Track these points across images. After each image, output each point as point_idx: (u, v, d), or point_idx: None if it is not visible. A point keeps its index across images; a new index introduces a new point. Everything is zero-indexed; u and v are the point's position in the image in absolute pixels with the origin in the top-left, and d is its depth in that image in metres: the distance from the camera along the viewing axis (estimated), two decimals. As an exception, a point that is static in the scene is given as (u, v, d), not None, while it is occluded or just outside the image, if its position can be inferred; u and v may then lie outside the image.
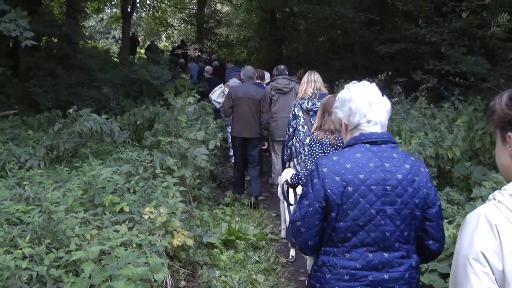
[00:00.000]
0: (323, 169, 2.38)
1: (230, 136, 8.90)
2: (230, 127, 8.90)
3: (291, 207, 4.29)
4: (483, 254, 1.51)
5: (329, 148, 4.52)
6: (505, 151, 1.65)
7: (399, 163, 2.38)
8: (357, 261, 2.34)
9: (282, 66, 9.02)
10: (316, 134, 4.65)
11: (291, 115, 6.30)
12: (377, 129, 2.46)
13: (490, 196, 1.63)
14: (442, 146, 6.98)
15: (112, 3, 29.72)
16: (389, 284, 2.33)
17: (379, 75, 11.47)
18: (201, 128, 6.93)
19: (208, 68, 14.73)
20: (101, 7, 28.29)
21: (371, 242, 2.33)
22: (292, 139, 6.13)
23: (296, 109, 6.21)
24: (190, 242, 4.42)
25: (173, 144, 6.19)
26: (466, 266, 1.55)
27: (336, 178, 2.33)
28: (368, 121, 2.46)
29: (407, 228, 2.35)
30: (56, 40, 15.47)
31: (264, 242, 6.41)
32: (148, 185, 5.06)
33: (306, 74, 6.37)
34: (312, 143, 4.67)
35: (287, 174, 5.01)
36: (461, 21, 11.12)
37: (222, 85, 10.56)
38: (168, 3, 33.87)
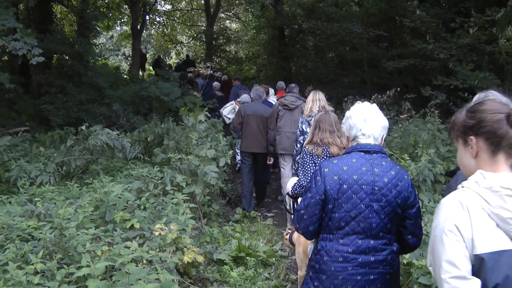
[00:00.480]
0: (325, 169, 2.98)
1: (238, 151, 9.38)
2: (239, 142, 9.41)
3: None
4: (456, 226, 1.93)
5: (318, 159, 5.01)
6: (467, 152, 2.12)
7: (386, 169, 2.95)
8: (349, 246, 2.90)
9: (293, 85, 9.44)
10: (307, 147, 5.18)
11: (298, 132, 6.87)
12: (371, 140, 3.04)
13: (459, 186, 2.06)
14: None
15: (122, 20, 29.98)
16: (375, 265, 2.89)
17: (388, 91, 11.48)
18: (211, 146, 6.95)
19: (215, 84, 15.06)
20: (111, 24, 28.55)
21: (360, 231, 2.89)
22: (300, 153, 6.25)
23: (304, 125, 6.77)
24: (200, 258, 4.43)
25: (183, 161, 6.21)
26: (442, 237, 1.97)
27: (335, 177, 2.93)
28: (363, 134, 3.05)
29: (390, 221, 2.91)
30: (67, 58, 15.61)
31: (274, 259, 6.41)
32: (159, 201, 5.08)
33: (311, 94, 6.86)
34: (304, 155, 5.21)
35: (292, 182, 5.29)
36: (469, 36, 11.14)
37: (233, 102, 10.93)
38: (178, 21, 34.12)
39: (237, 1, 32.01)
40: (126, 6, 25.37)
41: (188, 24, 34.50)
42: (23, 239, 4.06)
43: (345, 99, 12.40)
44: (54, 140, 9.84)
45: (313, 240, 3.34)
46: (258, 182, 8.98)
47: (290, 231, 4.99)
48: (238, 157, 10.48)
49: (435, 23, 13.36)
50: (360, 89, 18.29)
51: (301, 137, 6.66)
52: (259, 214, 8.52)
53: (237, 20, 35.04)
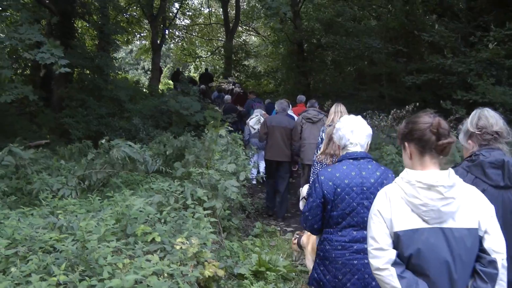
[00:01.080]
0: (321, 177, 3.64)
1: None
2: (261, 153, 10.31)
3: None
4: (379, 211, 2.58)
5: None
6: (405, 154, 2.70)
7: (372, 171, 3.61)
8: (345, 237, 3.59)
9: (313, 100, 10.29)
10: (318, 157, 5.91)
11: (319, 139, 7.38)
12: (358, 148, 3.72)
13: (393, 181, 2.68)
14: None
15: (142, 35, 30.27)
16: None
17: (407, 106, 11.42)
18: (231, 161, 6.97)
19: (227, 97, 15.66)
20: (130, 39, 28.83)
21: (355, 224, 3.55)
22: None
23: (323, 134, 7.09)
24: (221, 273, 4.43)
25: (204, 175, 6.22)
26: (370, 219, 2.64)
27: (330, 183, 3.59)
28: (351, 143, 3.73)
29: None
30: (88, 72, 15.78)
31: (294, 273, 6.38)
32: (179, 215, 5.09)
33: (334, 106, 7.20)
34: (314, 163, 6.26)
35: (307, 188, 5.42)
36: (488, 51, 11.08)
37: (258, 113, 11.51)
38: (197, 35, 34.35)
39: (256, 15, 32.19)
40: (146, 21, 25.64)
41: (207, 38, 34.73)
42: (45, 251, 4.09)
43: (364, 113, 12.36)
44: (73, 153, 9.93)
45: (318, 236, 4.02)
46: (279, 187, 9.49)
47: (298, 236, 5.83)
48: (253, 174, 10.71)
49: (453, 37, 13.32)
50: (379, 104, 18.22)
51: (321, 145, 6.82)
52: (279, 228, 8.50)
53: (256, 34, 35.21)
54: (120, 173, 7.41)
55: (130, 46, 35.33)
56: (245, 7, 32.70)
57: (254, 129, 11.28)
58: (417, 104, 11.24)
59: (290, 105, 12.01)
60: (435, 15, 16.51)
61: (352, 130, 3.73)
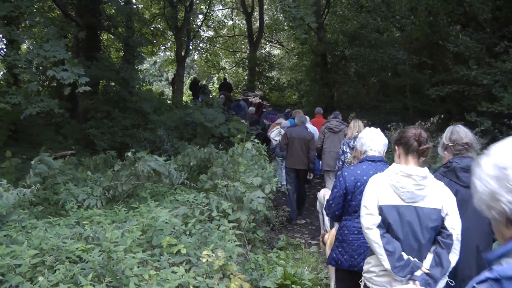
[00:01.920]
0: (345, 173, 4.54)
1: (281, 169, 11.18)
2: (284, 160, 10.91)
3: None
4: (371, 188, 3.56)
5: None
6: (396, 155, 3.72)
7: None
8: (358, 223, 4.05)
9: (337, 112, 11.16)
10: (349, 160, 6.79)
11: (340, 151, 8.09)
12: (376, 153, 4.55)
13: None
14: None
15: (166, 46, 30.54)
16: None
17: (431, 118, 11.32)
18: (258, 174, 6.97)
19: (251, 108, 16.67)
20: (155, 50, 29.10)
21: None
22: (341, 170, 6.75)
23: (344, 146, 8.04)
24: (246, 286, 4.41)
25: (229, 187, 6.22)
26: (365, 193, 3.61)
27: (352, 178, 4.45)
28: (371, 149, 4.58)
29: None
30: (113, 84, 15.94)
31: (319, 287, 6.34)
32: (205, 227, 5.09)
33: (352, 121, 8.18)
34: (344, 164, 7.36)
35: (324, 192, 7.35)
36: (514, 61, 10.93)
37: (279, 126, 12.32)
38: (221, 47, 34.54)
39: (279, 28, 32.31)
40: (170, 33, 25.87)
41: (231, 50, 34.90)
42: (72, 261, 4.11)
43: (388, 125, 12.28)
44: (98, 164, 10.02)
45: (338, 223, 4.84)
46: (300, 192, 10.38)
47: (324, 233, 6.43)
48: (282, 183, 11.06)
49: (478, 48, 13.16)
50: (403, 116, 18.09)
51: (342, 156, 7.86)
52: (303, 241, 8.45)
53: (279, 46, 35.29)
54: (145, 184, 7.46)
55: (154, 58, 35.62)
56: (268, 19, 32.84)
57: (276, 140, 11.93)
58: (442, 116, 11.13)
59: (308, 118, 12.35)
60: (459, 26, 16.38)
61: (372, 139, 4.59)
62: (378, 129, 4.73)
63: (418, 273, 3.38)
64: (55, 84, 19.21)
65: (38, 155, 12.05)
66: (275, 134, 12.04)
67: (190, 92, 26.80)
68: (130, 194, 7.42)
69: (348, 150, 7.83)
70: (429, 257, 3.44)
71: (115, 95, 15.44)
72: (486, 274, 1.46)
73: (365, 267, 3.70)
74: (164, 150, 13.60)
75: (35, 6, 11.87)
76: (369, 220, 3.49)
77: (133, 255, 4.08)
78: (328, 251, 5.41)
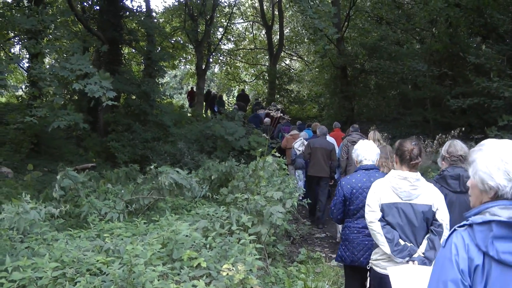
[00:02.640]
0: (343, 182, 5.26)
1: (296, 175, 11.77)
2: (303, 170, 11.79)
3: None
4: (374, 190, 4.32)
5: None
6: (394, 162, 4.45)
7: (378, 178, 4.61)
8: (359, 224, 5.05)
9: (356, 125, 11.54)
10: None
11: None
12: (369, 162, 5.20)
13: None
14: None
15: (187, 59, 30.75)
16: None
17: (452, 131, 11.21)
18: (280, 188, 6.96)
19: (267, 120, 17.44)
20: (176, 64, 29.31)
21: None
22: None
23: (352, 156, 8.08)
24: (266, 299, 4.38)
25: (250, 201, 6.21)
26: (369, 193, 4.40)
27: (348, 186, 5.16)
28: (365, 159, 5.22)
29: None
30: (134, 97, 16.06)
31: (339, 301, 6.27)
32: (225, 241, 5.08)
33: (371, 133, 8.63)
34: None
35: None
36: (536, 74, 10.79)
37: (302, 137, 12.81)
38: (241, 60, 34.68)
39: (299, 40, 32.37)
40: (191, 46, 26.06)
41: (251, 63, 35.03)
42: (92, 273, 4.13)
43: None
44: (120, 177, 10.07)
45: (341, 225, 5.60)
46: (320, 198, 10.97)
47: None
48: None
49: (499, 59, 13.03)
50: (423, 128, 17.97)
51: (349, 168, 8.79)
52: (324, 255, 8.39)
53: (299, 59, 35.33)
54: (166, 198, 7.48)
55: (174, 71, 35.90)
56: (289, 32, 32.92)
57: (299, 150, 12.37)
58: (463, 128, 11.01)
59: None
60: (480, 37, 16.24)
61: (366, 150, 5.24)
62: (371, 141, 5.64)
63: (415, 255, 4.14)
64: (76, 97, 19.45)
65: (58, 167, 12.24)
66: (298, 145, 12.52)
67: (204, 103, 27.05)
68: (151, 207, 7.45)
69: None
70: (424, 243, 4.19)
71: (136, 108, 15.56)
72: (464, 222, 2.21)
73: (373, 256, 4.48)
74: (185, 163, 13.64)
75: (58, 20, 12.05)
76: (371, 215, 4.30)
77: (153, 268, 4.08)
78: None
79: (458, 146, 4.94)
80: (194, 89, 29.89)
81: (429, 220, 4.22)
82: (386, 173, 4.72)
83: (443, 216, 4.20)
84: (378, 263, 4.39)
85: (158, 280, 3.96)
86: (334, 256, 8.39)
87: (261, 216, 6.12)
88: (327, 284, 6.69)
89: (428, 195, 4.23)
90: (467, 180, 2.44)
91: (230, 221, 5.72)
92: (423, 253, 4.13)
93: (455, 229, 2.23)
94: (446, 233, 4.07)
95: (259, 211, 6.15)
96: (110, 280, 3.94)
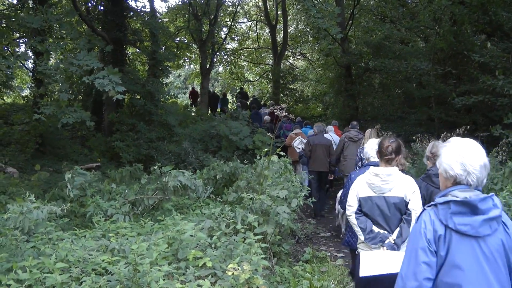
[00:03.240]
0: (352, 175, 5.90)
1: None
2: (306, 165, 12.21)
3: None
4: (354, 186, 5.01)
5: None
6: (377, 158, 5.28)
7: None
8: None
9: (355, 122, 12.39)
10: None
11: (357, 157, 8.77)
12: (376, 159, 5.39)
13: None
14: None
15: (191, 59, 30.75)
16: None
17: (457, 129, 11.18)
18: (284, 187, 6.96)
19: (266, 117, 18.66)
20: (180, 63, 29.33)
21: None
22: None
23: (361, 154, 8.44)
24: (272, 299, 4.37)
25: (255, 200, 6.21)
26: (349, 190, 5.13)
27: (355, 180, 5.22)
28: (372, 157, 5.71)
29: None
30: (139, 97, 16.06)
31: (344, 300, 6.26)
32: (230, 241, 5.07)
33: (368, 132, 8.84)
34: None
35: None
36: (542, 72, 10.74)
37: (300, 137, 13.51)
38: (245, 59, 34.67)
39: (303, 39, 32.33)
40: (195, 46, 26.07)
41: (255, 62, 35.01)
42: (98, 273, 4.14)
43: (414, 137, 12.15)
44: (124, 177, 10.08)
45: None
46: (321, 191, 11.71)
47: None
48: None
49: (504, 57, 12.98)
50: (428, 127, 17.92)
51: (359, 162, 8.47)
52: (329, 254, 8.37)
53: (303, 58, 35.29)
54: (171, 198, 7.48)
55: (178, 71, 35.94)
56: (293, 30, 32.88)
57: (299, 148, 13.06)
58: (468, 127, 10.98)
59: (332, 128, 14.39)
60: (484, 35, 16.17)
61: (372, 148, 5.79)
62: (378, 139, 5.68)
63: (387, 241, 4.70)
64: (81, 97, 19.51)
65: (63, 167, 12.29)
66: (297, 143, 13.22)
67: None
68: (155, 206, 7.45)
69: (363, 156, 8.29)
70: (396, 231, 4.74)
71: (141, 108, 15.56)
72: (431, 203, 2.90)
73: (358, 242, 5.06)
74: (189, 162, 13.65)
75: (63, 20, 12.10)
76: (348, 209, 4.99)
77: (158, 268, 4.09)
78: None
79: (440, 146, 4.80)
80: (195, 88, 30.11)
81: (401, 210, 4.75)
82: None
83: (414, 205, 4.70)
84: (361, 248, 4.96)
85: (164, 279, 3.96)
86: (339, 255, 8.41)
87: (266, 215, 6.12)
88: (332, 283, 6.68)
89: (401, 187, 4.73)
90: None
91: (235, 220, 5.72)
92: (394, 240, 4.70)
93: (424, 209, 2.93)
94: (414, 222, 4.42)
95: (264, 211, 6.15)
96: (116, 280, 3.95)
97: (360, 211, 4.90)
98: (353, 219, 4.92)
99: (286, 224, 6.05)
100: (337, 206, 9.29)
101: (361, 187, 4.92)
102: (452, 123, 16.29)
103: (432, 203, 2.88)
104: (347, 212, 5.03)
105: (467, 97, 13.98)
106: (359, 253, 4.94)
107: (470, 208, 2.73)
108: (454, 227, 2.73)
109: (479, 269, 2.70)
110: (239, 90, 29.63)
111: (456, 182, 2.88)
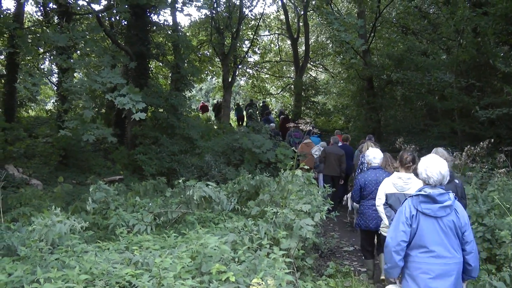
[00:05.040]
0: (358, 176, 7.95)
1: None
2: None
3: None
4: (383, 184, 6.84)
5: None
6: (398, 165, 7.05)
7: (382, 174, 7.46)
8: (370, 203, 7.47)
9: (371, 135, 14.62)
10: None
11: (359, 162, 10.89)
12: (376, 164, 7.73)
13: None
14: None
15: (213, 72, 30.92)
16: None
17: (481, 142, 11.03)
18: (306, 201, 6.94)
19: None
20: (203, 77, 29.48)
21: (373, 197, 7.22)
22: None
23: (362, 159, 10.66)
24: (296, 314, 4.33)
25: (279, 214, 6.18)
26: (380, 186, 6.99)
27: (362, 179, 7.69)
28: (374, 162, 7.77)
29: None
30: (161, 111, 16.15)
31: (368, 315, 6.19)
32: (254, 255, 5.04)
33: (365, 143, 11.22)
34: (361, 171, 10.43)
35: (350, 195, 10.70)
36: None
37: (319, 145, 14.98)
38: (267, 72, 34.72)
39: (325, 52, 32.30)
40: (217, 59, 26.22)
41: (277, 75, 35.05)
42: (121, 286, 4.14)
43: (437, 150, 11.99)
44: (148, 190, 10.13)
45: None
46: (335, 192, 12.50)
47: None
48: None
49: (530, 67, 12.84)
50: (451, 140, 17.74)
51: (361, 166, 10.63)
52: (352, 268, 8.29)
53: (325, 71, 35.23)
54: (194, 211, 7.48)
55: (201, 84, 36.17)
56: (313, 43, 32.85)
57: (316, 155, 14.44)
58: (492, 140, 10.83)
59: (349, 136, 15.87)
60: (507, 46, 16.00)
61: (374, 156, 7.82)
62: (378, 148, 8.47)
63: None
64: (103, 111, 19.70)
65: (91, 179, 12.38)
66: (315, 150, 14.67)
67: (236, 118, 27.33)
68: (178, 220, 7.46)
69: (365, 162, 10.03)
70: None
71: (163, 122, 15.63)
72: (411, 194, 4.63)
73: (382, 225, 7.02)
74: (212, 175, 13.65)
75: (88, 36, 12.31)
76: (378, 201, 6.78)
77: (182, 281, 4.08)
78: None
79: (440, 152, 6.86)
80: (205, 103, 30.59)
81: None
82: (388, 171, 7.86)
83: None
84: (384, 230, 6.91)
85: (188, 293, 3.95)
86: (363, 269, 8.32)
87: (290, 229, 6.08)
88: (356, 298, 6.62)
89: (417, 187, 5.55)
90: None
91: (259, 235, 5.69)
92: None
93: (407, 198, 4.64)
94: None
95: (288, 225, 6.11)
96: (140, 293, 3.94)
97: (386, 203, 6.55)
98: (381, 209, 6.71)
99: (310, 236, 6.00)
100: (350, 202, 11.35)
101: (388, 186, 6.63)
102: (475, 136, 16.11)
103: (411, 194, 4.68)
104: (376, 203, 6.81)
105: (490, 110, 13.82)
106: (380, 233, 7.14)
107: (431, 199, 4.42)
108: (421, 210, 4.45)
109: (437, 237, 4.39)
110: (248, 102, 29.76)
111: (425, 183, 4.57)
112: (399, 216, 4.51)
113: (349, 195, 11.04)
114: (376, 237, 7.77)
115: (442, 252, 4.34)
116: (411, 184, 6.36)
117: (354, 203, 9.42)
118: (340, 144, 14.25)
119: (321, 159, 13.50)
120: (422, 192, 4.42)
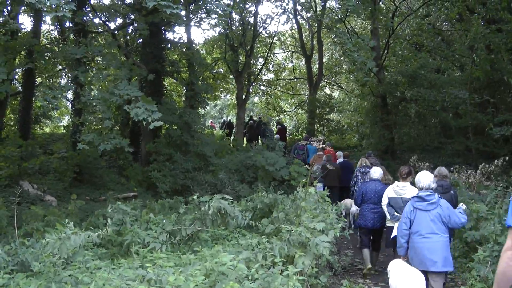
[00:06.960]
0: (361, 185, 10.05)
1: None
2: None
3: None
4: (387, 191, 8.70)
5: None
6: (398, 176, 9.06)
7: (380, 185, 9.25)
8: (369, 206, 9.21)
9: (370, 151, 16.51)
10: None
11: (359, 174, 12.26)
12: (376, 177, 9.47)
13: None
14: None
15: (227, 90, 31.05)
16: (377, 209, 9.04)
17: (496, 160, 10.95)
18: (320, 220, 6.93)
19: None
20: (217, 94, 29.59)
21: (371, 202, 9.17)
22: (354, 186, 12.27)
23: (357, 172, 12.46)
24: (310, 333, 4.30)
25: (292, 232, 6.16)
26: (384, 192, 8.84)
27: (364, 188, 9.47)
28: (374, 176, 9.51)
29: (380, 198, 8.85)
30: (175, 128, 16.22)
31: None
32: (268, 273, 5.03)
33: (361, 159, 13.02)
34: (356, 182, 12.44)
35: (346, 200, 12.60)
36: None
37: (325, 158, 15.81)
38: (281, 89, 34.79)
39: (338, 70, 32.33)
40: (231, 77, 26.34)
41: (291, 93, 35.10)
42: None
43: (451, 168, 11.94)
44: (163, 208, 10.16)
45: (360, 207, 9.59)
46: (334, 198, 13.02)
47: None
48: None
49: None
50: (465, 158, 17.68)
51: (355, 178, 12.43)
52: (366, 287, 8.22)
53: (339, 88, 35.23)
54: (209, 228, 7.47)
55: (215, 101, 36.31)
56: (327, 61, 32.87)
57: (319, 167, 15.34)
58: (507, 158, 10.76)
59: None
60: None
61: (374, 172, 9.50)
62: (378, 166, 10.44)
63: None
64: (118, 128, 19.84)
65: (100, 196, 12.43)
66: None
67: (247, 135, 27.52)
68: (192, 237, 7.45)
69: (359, 174, 12.28)
70: None
71: (177, 139, 15.68)
72: (413, 196, 6.94)
73: (387, 221, 8.67)
74: (225, 193, 13.58)
75: (104, 51, 12.52)
76: (383, 202, 8.49)
77: (196, 299, 4.07)
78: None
79: (442, 170, 8.73)
80: (213, 123, 30.94)
81: None
82: (384, 183, 9.43)
83: None
84: (387, 223, 8.64)
85: (201, 311, 3.94)
86: (377, 288, 8.30)
87: (304, 247, 6.06)
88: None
89: (410, 193, 7.71)
90: (446, 187, 8.29)
91: (273, 253, 5.68)
92: None
93: (403, 200, 7.79)
94: None
95: (302, 243, 6.09)
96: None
97: (389, 204, 8.38)
98: (385, 208, 8.47)
99: (326, 253, 5.98)
100: (353, 208, 11.90)
101: (390, 191, 8.45)
102: (490, 154, 16.04)
103: (407, 198, 7.18)
104: (383, 203, 8.54)
105: (505, 127, 13.75)
106: (387, 227, 8.71)
107: (422, 199, 6.52)
108: (416, 207, 6.53)
109: (428, 224, 6.38)
110: (254, 119, 29.96)
111: (419, 188, 6.69)
112: (403, 213, 6.79)
113: (345, 201, 12.62)
114: (379, 234, 9.39)
115: (430, 235, 6.35)
116: (406, 190, 8.21)
117: (352, 209, 11.80)
118: (341, 160, 16.04)
119: (323, 171, 14.43)
120: (418, 195, 6.67)
